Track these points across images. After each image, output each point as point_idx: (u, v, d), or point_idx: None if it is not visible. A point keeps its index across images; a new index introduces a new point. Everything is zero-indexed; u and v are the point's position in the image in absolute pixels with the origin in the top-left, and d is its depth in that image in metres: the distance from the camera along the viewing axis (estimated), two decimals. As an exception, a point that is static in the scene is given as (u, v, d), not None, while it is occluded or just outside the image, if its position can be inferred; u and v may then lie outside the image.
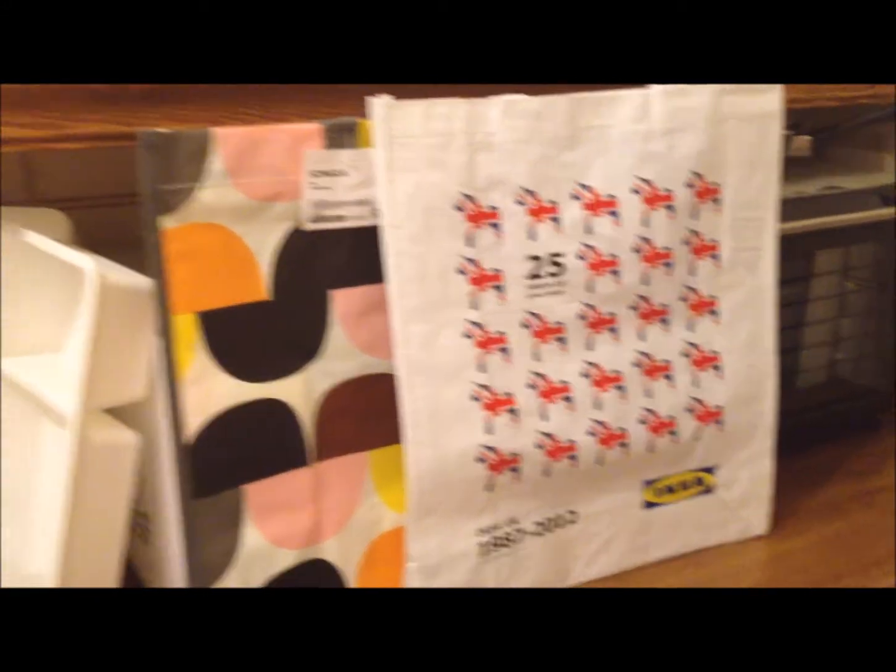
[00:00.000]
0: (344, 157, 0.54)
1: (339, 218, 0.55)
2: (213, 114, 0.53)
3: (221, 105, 0.54)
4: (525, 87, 0.57)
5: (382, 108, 0.53)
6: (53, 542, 0.51)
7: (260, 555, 0.55)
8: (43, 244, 0.52)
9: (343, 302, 0.56)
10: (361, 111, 0.54)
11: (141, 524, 0.60)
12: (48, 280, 0.58)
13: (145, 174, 0.49)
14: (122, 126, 0.51)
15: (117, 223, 0.59)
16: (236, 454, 0.54)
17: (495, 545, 0.61)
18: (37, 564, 0.61)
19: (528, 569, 0.63)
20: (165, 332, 0.51)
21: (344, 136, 0.53)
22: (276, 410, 0.55)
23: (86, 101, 0.50)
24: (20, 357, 0.58)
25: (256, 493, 0.54)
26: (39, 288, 0.58)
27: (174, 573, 0.57)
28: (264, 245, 0.53)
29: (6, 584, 0.57)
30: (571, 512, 0.64)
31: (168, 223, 0.50)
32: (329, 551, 0.58)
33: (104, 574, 0.55)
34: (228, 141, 0.50)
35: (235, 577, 0.54)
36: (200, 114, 0.53)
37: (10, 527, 0.58)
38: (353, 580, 0.59)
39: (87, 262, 0.49)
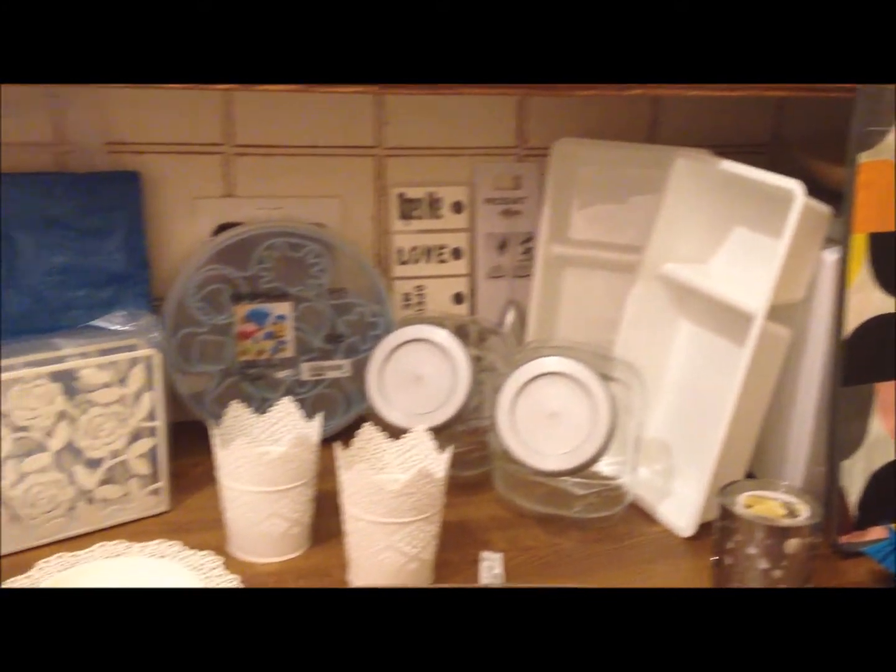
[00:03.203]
0: None
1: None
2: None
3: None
4: None
5: None
6: (724, 414, 0.65)
7: (880, 443, 0.66)
8: (745, 171, 0.65)
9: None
10: None
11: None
12: (701, 202, 0.72)
13: (859, 118, 0.60)
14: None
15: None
16: (873, 356, 0.64)
17: None
18: (652, 430, 0.76)
19: None
20: (844, 248, 0.62)
21: None
22: (906, 325, 0.65)
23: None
24: (677, 263, 0.72)
25: (883, 391, 0.65)
26: (694, 209, 0.72)
27: (795, 455, 0.69)
28: (924, 182, 0.63)
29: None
30: None
31: (862, 158, 0.61)
32: (930, 453, 0.67)
33: (747, 444, 0.68)
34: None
35: (862, 458, 0.65)
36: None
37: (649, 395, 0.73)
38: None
39: (794, 186, 0.61)
